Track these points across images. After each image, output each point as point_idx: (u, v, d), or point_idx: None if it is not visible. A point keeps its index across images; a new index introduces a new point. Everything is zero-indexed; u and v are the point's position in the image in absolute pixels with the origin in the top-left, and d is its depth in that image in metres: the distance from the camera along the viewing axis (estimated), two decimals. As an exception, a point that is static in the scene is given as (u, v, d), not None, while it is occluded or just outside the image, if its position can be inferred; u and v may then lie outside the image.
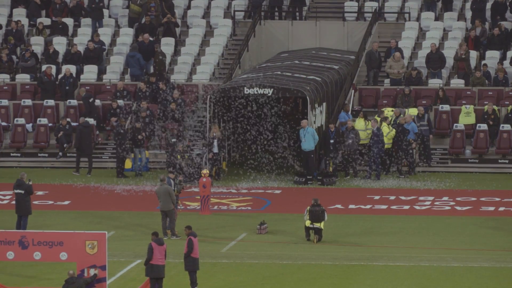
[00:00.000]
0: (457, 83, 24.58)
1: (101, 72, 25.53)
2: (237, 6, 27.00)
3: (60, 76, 24.59)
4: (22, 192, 15.34)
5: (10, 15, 27.51)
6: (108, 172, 22.45)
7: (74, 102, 24.08)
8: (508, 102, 23.45)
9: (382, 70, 24.87)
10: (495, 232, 16.46)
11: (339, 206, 18.62)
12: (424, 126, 22.14)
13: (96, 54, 25.32)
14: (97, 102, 24.03)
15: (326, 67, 24.19)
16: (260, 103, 21.60)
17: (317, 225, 14.94)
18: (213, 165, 20.90)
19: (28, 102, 24.16)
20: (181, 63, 25.63)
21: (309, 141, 20.73)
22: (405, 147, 21.33)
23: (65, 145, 22.85)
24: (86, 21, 26.91)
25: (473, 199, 19.40)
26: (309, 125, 20.92)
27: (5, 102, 24.09)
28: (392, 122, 21.81)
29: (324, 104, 22.51)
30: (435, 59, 24.36)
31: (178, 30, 26.52)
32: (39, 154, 23.50)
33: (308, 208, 15.05)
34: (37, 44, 26.18)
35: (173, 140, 21.16)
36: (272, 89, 21.29)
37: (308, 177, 20.88)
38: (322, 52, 25.52)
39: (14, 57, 25.81)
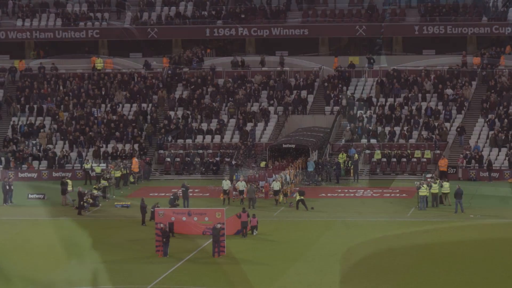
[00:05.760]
0: None
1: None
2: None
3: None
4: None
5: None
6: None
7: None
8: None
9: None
10: None
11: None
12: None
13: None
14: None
15: (316, 134, 47.27)
16: (290, 150, 46.78)
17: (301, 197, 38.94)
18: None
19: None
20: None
21: (310, 166, 44.57)
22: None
23: None
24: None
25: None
26: (311, 159, 44.96)
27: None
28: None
29: (316, 150, 46.03)
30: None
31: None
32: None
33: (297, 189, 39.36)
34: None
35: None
36: (294, 145, 46.68)
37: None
38: (315, 128, 48.56)
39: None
